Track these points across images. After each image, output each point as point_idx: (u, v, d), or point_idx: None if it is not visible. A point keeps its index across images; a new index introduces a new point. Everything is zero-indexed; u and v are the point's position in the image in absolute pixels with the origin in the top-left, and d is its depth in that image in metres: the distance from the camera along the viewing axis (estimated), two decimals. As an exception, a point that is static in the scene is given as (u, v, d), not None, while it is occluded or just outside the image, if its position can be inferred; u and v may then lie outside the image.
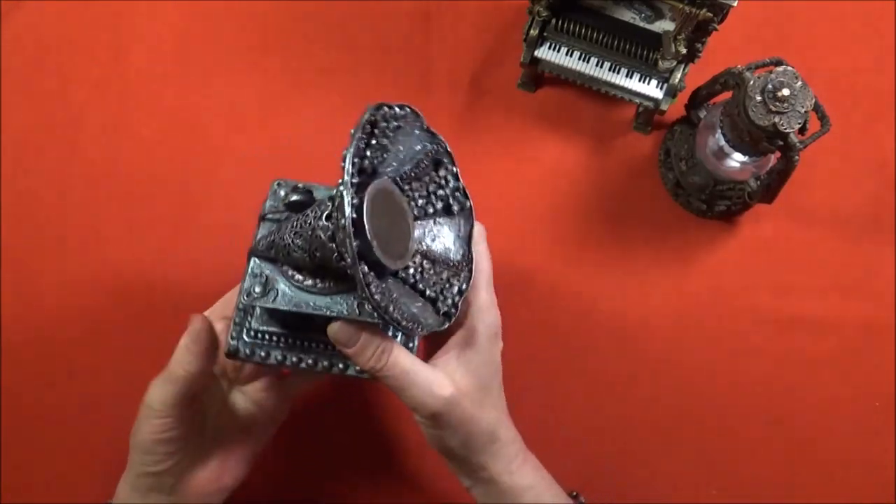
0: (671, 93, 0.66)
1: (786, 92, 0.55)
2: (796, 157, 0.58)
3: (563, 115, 0.73)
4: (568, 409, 0.63)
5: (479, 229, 0.53)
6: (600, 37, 0.65)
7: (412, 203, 0.50)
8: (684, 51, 0.62)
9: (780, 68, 0.56)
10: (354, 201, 0.43)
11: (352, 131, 0.44)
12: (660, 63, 0.64)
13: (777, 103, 0.55)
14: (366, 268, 0.44)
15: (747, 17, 0.68)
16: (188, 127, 0.73)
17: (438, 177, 0.51)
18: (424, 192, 0.51)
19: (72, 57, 0.74)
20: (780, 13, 0.74)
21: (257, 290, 0.51)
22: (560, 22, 0.65)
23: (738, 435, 0.68)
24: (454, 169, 0.51)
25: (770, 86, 0.56)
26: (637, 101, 0.68)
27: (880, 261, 0.70)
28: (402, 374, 0.50)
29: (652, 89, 0.66)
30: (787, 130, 0.56)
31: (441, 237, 0.52)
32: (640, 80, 0.67)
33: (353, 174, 0.43)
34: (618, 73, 0.67)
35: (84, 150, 0.72)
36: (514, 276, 0.70)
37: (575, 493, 0.60)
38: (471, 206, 0.52)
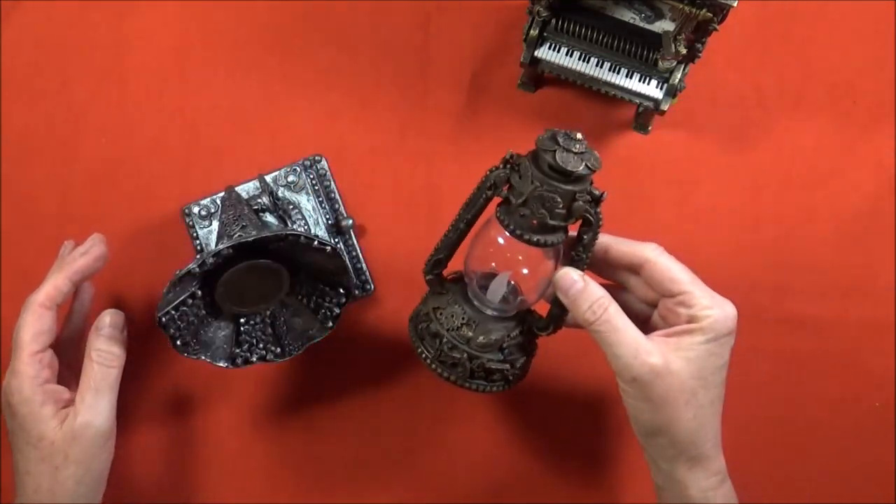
0: (671, 93, 0.66)
1: (579, 136, 0.51)
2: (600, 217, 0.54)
3: (563, 115, 0.73)
4: (567, 408, 0.63)
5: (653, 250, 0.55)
6: (600, 37, 0.65)
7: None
8: (684, 51, 0.62)
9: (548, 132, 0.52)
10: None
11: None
12: (660, 63, 0.64)
13: (577, 144, 0.51)
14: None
15: (747, 17, 0.68)
16: (188, 127, 0.73)
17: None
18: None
19: (72, 57, 0.74)
20: (780, 13, 0.74)
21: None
22: (560, 22, 0.65)
23: (739, 435, 0.68)
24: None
25: (560, 135, 0.51)
26: (637, 101, 0.68)
27: (880, 261, 0.70)
28: (612, 331, 0.51)
29: (652, 89, 0.66)
30: (597, 167, 0.52)
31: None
32: (640, 80, 0.67)
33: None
34: (618, 73, 0.67)
35: (84, 150, 0.72)
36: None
37: None
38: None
